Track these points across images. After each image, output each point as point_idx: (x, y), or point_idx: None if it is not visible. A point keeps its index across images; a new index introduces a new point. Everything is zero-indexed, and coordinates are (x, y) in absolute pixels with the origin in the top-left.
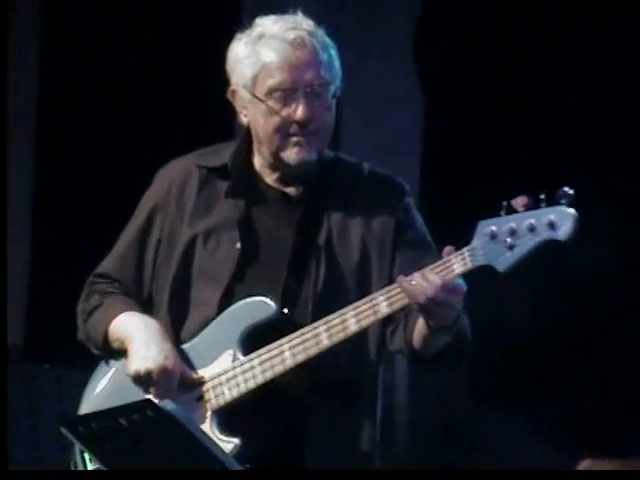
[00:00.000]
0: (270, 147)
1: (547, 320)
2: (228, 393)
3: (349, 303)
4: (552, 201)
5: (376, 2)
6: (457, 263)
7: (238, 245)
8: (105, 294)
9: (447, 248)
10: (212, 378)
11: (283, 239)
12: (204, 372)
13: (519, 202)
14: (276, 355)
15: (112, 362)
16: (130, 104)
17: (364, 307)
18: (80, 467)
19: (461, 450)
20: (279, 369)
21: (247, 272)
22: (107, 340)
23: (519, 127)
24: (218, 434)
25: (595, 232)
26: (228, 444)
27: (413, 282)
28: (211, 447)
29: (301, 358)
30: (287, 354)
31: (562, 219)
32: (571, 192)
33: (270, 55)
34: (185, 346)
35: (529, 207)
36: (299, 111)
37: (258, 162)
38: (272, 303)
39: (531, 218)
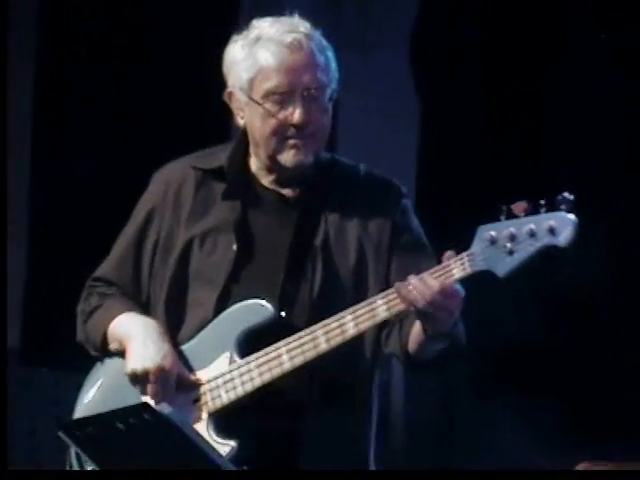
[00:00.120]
0: (267, 150)
1: (543, 323)
2: (225, 396)
3: (346, 305)
4: (552, 207)
5: (373, 4)
6: (456, 268)
7: (234, 247)
8: (104, 296)
9: (447, 253)
10: (209, 380)
11: (280, 241)
12: (201, 374)
13: (519, 207)
14: (273, 358)
15: (108, 363)
16: (126, 106)
17: (362, 311)
18: (75, 469)
19: (459, 452)
20: (276, 372)
21: (244, 274)
22: (106, 341)
23: (518, 130)
24: (215, 437)
25: (594, 237)
26: (225, 447)
27: (410, 287)
28: (208, 451)
29: (299, 361)
30: (285, 357)
31: (562, 225)
32: (571, 198)
33: (267, 58)
34: (182, 348)
35: (529, 212)
36: (296, 114)
37: (254, 164)
38: (269, 306)
39: (531, 223)
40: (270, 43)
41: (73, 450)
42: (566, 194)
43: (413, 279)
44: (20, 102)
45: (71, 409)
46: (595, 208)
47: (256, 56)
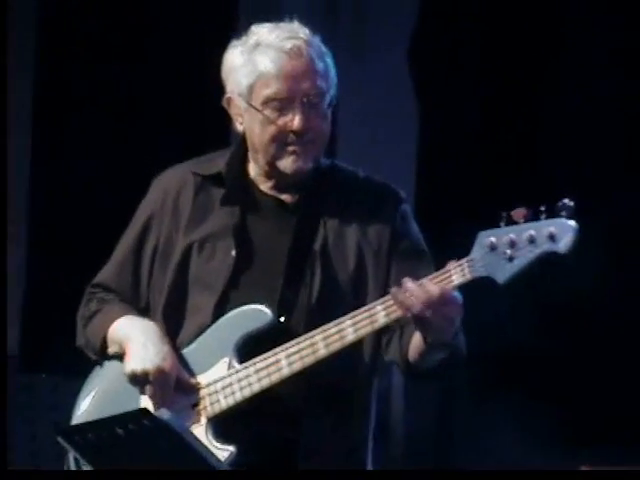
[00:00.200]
0: (266, 156)
1: (542, 329)
2: (224, 401)
3: (345, 310)
4: (552, 213)
5: (371, 8)
6: (456, 274)
7: (233, 253)
8: (104, 301)
9: (450, 263)
10: (208, 385)
11: (279, 246)
12: (200, 379)
13: (519, 213)
14: (272, 363)
15: (107, 367)
16: (125, 112)
17: (361, 316)
18: None
19: (458, 458)
20: (275, 377)
21: (242, 280)
22: (106, 344)
23: (518, 135)
24: (213, 442)
25: (594, 243)
26: (223, 452)
27: (407, 292)
28: (207, 456)
29: (297, 367)
30: (283, 363)
31: (562, 231)
32: (571, 204)
33: (266, 64)
34: (181, 353)
35: (529, 218)
36: (296, 121)
37: (253, 170)
38: (268, 311)
39: (531, 230)
40: (269, 49)
41: (71, 455)
42: (566, 200)
43: (410, 284)
44: (20, 102)
45: (70, 414)
46: (595, 214)
47: (255, 62)
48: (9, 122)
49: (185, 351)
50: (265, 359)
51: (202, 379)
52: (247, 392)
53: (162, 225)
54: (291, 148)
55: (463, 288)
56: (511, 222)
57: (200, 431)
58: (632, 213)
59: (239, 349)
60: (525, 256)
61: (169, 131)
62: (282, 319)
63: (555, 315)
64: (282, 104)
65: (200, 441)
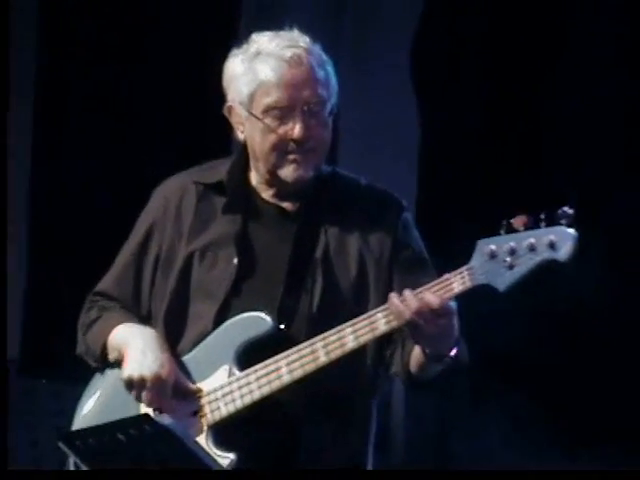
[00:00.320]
0: (267, 164)
1: (541, 336)
2: (224, 408)
3: (346, 318)
4: (552, 221)
5: (372, 16)
6: (456, 282)
7: (235, 261)
8: (104, 309)
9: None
10: (208, 393)
11: (280, 254)
12: (200, 386)
13: (519, 221)
14: (273, 371)
15: (107, 374)
16: (126, 120)
17: (362, 324)
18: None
19: (456, 462)
20: (276, 385)
21: (244, 287)
22: (106, 351)
23: (521, 143)
24: (214, 449)
25: (594, 251)
26: (224, 459)
27: (403, 301)
28: (208, 462)
29: (298, 374)
30: (284, 370)
31: (562, 239)
32: (571, 212)
33: (267, 73)
34: (181, 360)
35: (529, 226)
36: (296, 129)
37: (254, 178)
38: (268, 318)
39: (531, 238)
40: (270, 58)
41: (72, 460)
42: (566, 208)
43: (407, 293)
44: (21, 104)
45: (71, 421)
46: (595, 222)
47: (256, 71)
48: (9, 122)
49: (186, 358)
50: (266, 366)
51: (203, 386)
52: (248, 399)
53: (164, 233)
54: (292, 157)
55: (461, 295)
56: (511, 230)
57: (201, 438)
58: (632, 221)
59: (239, 356)
60: (525, 264)
61: (170, 139)
62: (282, 326)
63: (554, 322)
64: (283, 113)
65: (201, 448)
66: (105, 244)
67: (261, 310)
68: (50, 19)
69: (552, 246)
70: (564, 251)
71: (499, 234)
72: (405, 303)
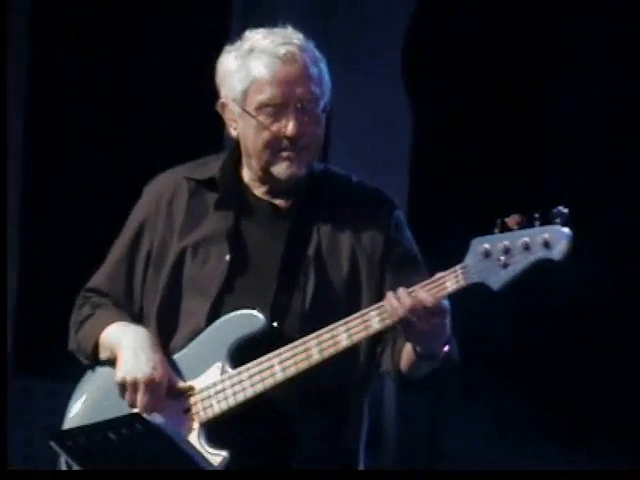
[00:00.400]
0: (260, 161)
1: (536, 335)
2: (217, 406)
3: (339, 315)
4: (546, 220)
5: (365, 14)
6: (449, 281)
7: (227, 257)
8: (96, 306)
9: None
10: (200, 390)
11: (272, 251)
12: (192, 384)
13: (513, 220)
14: (266, 369)
15: (98, 372)
16: (119, 116)
17: (355, 322)
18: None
19: (449, 460)
20: (269, 383)
21: (236, 284)
22: (97, 349)
23: (513, 141)
24: (206, 447)
25: (588, 250)
26: (217, 457)
27: (398, 298)
28: (199, 461)
29: (291, 372)
30: (277, 368)
31: (557, 238)
32: (565, 211)
33: (261, 70)
34: (173, 357)
35: (523, 225)
36: (290, 127)
37: (247, 175)
38: (261, 316)
39: (525, 237)
40: (263, 55)
41: (63, 459)
42: (560, 207)
43: (401, 290)
44: (18, 105)
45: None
46: (590, 221)
47: (249, 68)
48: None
49: (178, 355)
50: (259, 364)
51: (195, 384)
52: (240, 397)
53: (156, 229)
54: (285, 154)
55: (454, 294)
56: (505, 229)
57: (193, 436)
58: (626, 220)
59: (232, 354)
60: (520, 263)
61: (162, 136)
62: (275, 324)
63: (547, 320)
64: (276, 110)
65: (193, 446)
66: (98, 241)
67: (254, 307)
68: (42, 15)
69: (546, 245)
70: (558, 250)
71: (493, 233)
72: (399, 301)
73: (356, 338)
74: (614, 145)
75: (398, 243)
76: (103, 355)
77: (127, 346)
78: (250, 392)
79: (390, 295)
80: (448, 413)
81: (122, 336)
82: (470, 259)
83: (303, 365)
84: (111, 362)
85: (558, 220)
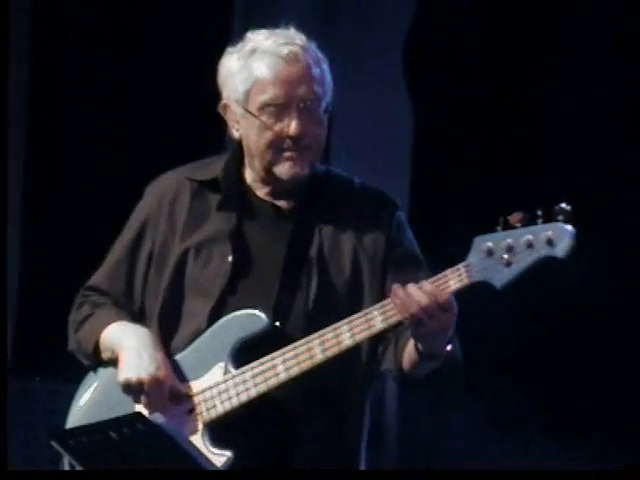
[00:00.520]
0: (262, 162)
1: (539, 332)
2: (220, 406)
3: (341, 316)
4: (549, 217)
5: (367, 15)
6: (453, 279)
7: (230, 258)
8: (96, 305)
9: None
10: (203, 391)
11: (275, 252)
12: (195, 384)
13: (516, 218)
14: (269, 368)
15: (100, 372)
16: (119, 118)
17: (358, 322)
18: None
19: (450, 459)
20: (272, 383)
21: (239, 285)
22: (98, 350)
23: (515, 139)
24: (210, 447)
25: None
26: (220, 457)
27: (409, 294)
28: (201, 461)
29: (294, 372)
30: (280, 368)
31: (560, 236)
32: (568, 208)
33: (263, 70)
34: (176, 358)
35: (526, 223)
36: (292, 126)
37: (249, 175)
38: (263, 316)
39: (528, 234)
40: (266, 55)
41: (66, 460)
42: (563, 205)
43: (411, 287)
44: (17, 106)
45: (65, 418)
46: (593, 218)
47: (252, 68)
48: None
49: (180, 356)
50: (262, 364)
51: (198, 384)
52: (244, 397)
53: (158, 230)
54: (287, 154)
55: (456, 293)
56: (508, 227)
57: (197, 437)
58: (629, 217)
59: (235, 354)
60: (523, 261)
61: (164, 137)
62: (278, 324)
63: (550, 319)
64: (278, 110)
65: (195, 446)
66: (99, 241)
67: (256, 308)
68: (44, 15)
69: (550, 243)
70: (562, 248)
71: (496, 231)
72: (412, 297)
73: (359, 338)
74: (616, 144)
75: (400, 244)
76: (104, 355)
77: (129, 346)
78: (254, 392)
79: (399, 291)
80: (450, 412)
81: (123, 336)
82: (473, 257)
83: (306, 365)
84: (112, 362)
85: (561, 217)
